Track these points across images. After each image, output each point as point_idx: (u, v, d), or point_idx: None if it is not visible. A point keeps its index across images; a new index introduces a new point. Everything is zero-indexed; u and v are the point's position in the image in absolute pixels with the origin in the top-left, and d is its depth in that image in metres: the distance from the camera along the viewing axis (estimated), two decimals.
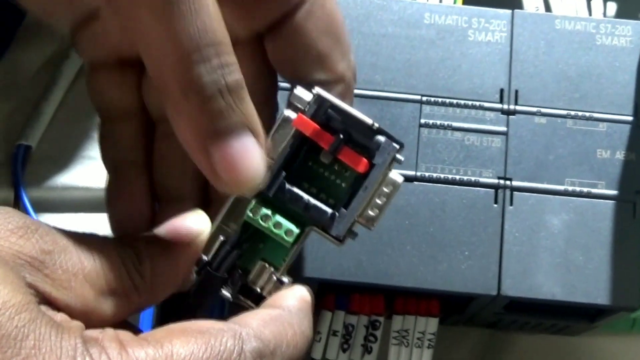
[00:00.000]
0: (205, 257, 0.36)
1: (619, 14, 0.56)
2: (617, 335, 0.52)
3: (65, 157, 0.55)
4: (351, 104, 0.36)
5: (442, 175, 0.44)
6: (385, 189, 0.36)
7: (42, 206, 0.54)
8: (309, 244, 0.42)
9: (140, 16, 0.31)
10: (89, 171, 0.54)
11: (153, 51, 0.31)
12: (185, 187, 0.38)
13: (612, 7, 0.56)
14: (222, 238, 0.36)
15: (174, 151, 0.37)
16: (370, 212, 0.36)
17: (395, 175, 0.36)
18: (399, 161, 0.35)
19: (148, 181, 0.38)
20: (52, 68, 0.56)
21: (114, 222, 0.38)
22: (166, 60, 0.31)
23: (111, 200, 0.38)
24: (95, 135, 0.55)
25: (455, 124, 0.45)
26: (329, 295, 0.45)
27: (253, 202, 0.35)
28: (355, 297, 0.45)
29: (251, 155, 0.32)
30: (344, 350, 0.45)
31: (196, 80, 0.31)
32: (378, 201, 0.36)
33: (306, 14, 0.36)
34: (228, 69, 0.31)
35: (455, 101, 0.45)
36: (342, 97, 0.36)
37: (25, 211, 0.52)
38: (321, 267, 0.43)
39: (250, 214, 0.35)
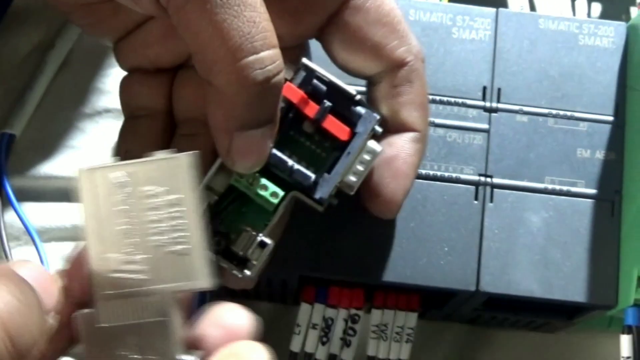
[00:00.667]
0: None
1: (604, 15, 0.57)
2: (595, 332, 0.53)
3: (49, 146, 0.55)
4: (422, 87, 0.39)
5: (423, 171, 0.44)
6: (365, 157, 0.37)
7: (25, 195, 0.54)
8: (289, 239, 0.42)
9: (191, 10, 0.33)
10: (72, 161, 0.54)
11: (201, 41, 0.33)
12: None
13: (596, 8, 0.57)
14: (206, 202, 0.36)
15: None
16: (352, 178, 0.37)
17: (374, 144, 0.38)
18: (377, 132, 0.38)
19: None
20: (38, 56, 0.56)
21: None
22: (215, 51, 0.33)
23: None
24: (80, 125, 0.55)
25: (438, 121, 0.45)
26: (308, 288, 0.46)
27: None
28: (334, 291, 0.45)
29: (264, 146, 0.36)
30: (323, 344, 0.45)
31: (250, 83, 0.33)
32: (359, 167, 0.37)
33: (353, 10, 0.39)
34: (278, 75, 0.34)
35: (438, 98, 0.45)
36: (408, 80, 0.38)
37: (8, 200, 0.52)
38: (301, 262, 0.43)
39: (238, 177, 0.37)
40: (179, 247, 0.31)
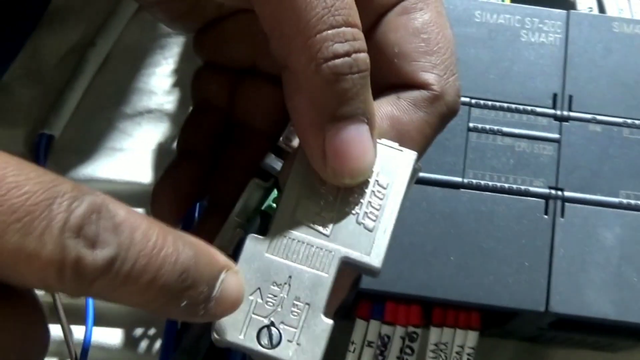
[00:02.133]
0: (226, 253, 0.33)
1: None
2: None
3: (88, 148, 0.53)
4: (434, 126, 0.34)
5: (490, 183, 0.42)
6: None
7: None
8: None
9: None
10: (113, 163, 0.52)
11: (280, 13, 0.30)
12: (232, 199, 0.36)
13: None
14: (241, 231, 0.34)
15: (238, 158, 0.37)
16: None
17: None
18: None
19: (202, 177, 0.38)
20: (78, 55, 0.53)
21: (154, 195, 0.39)
22: (293, 24, 0.30)
23: (164, 176, 0.39)
24: (121, 127, 0.53)
25: (506, 129, 0.43)
26: (364, 303, 0.43)
27: (275, 191, 0.34)
28: (391, 306, 0.43)
29: (365, 146, 0.32)
30: None
31: (331, 56, 0.30)
32: None
33: (401, 10, 0.35)
34: (362, 52, 0.31)
35: (506, 105, 0.43)
36: (420, 108, 0.34)
37: None
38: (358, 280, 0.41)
39: (273, 205, 0.34)
40: (369, 222, 0.32)
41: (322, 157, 0.31)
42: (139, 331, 0.51)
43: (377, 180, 0.32)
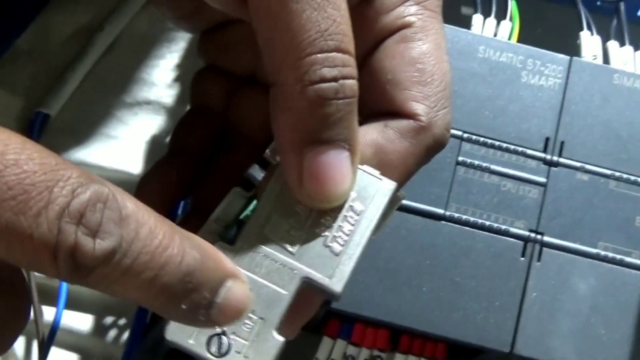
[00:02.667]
0: None
1: None
2: None
3: (84, 132, 0.53)
4: (419, 157, 0.34)
5: (471, 219, 0.42)
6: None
7: None
8: None
9: (269, 6, 0.30)
10: (105, 149, 0.52)
11: (275, 31, 0.30)
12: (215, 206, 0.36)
13: None
14: (215, 237, 0.34)
15: (227, 164, 0.37)
16: None
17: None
18: None
19: (189, 177, 0.38)
20: (84, 38, 0.54)
21: (139, 186, 0.38)
22: (286, 43, 0.30)
23: (152, 170, 0.39)
24: (119, 114, 0.53)
25: (494, 167, 0.43)
26: (333, 321, 0.43)
27: (255, 202, 0.34)
28: (359, 328, 0.43)
29: (342, 173, 0.31)
30: None
31: (318, 80, 0.30)
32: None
33: (400, 38, 0.35)
34: (350, 79, 0.31)
35: (497, 143, 0.43)
36: (405, 138, 0.34)
37: None
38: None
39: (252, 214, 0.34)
40: (337, 246, 0.32)
41: (298, 178, 0.31)
42: (109, 319, 0.51)
43: (351, 206, 0.32)
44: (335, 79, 0.30)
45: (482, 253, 0.42)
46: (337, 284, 0.32)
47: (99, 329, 0.50)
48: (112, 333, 0.51)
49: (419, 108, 0.34)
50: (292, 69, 0.30)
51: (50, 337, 0.47)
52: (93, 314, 0.50)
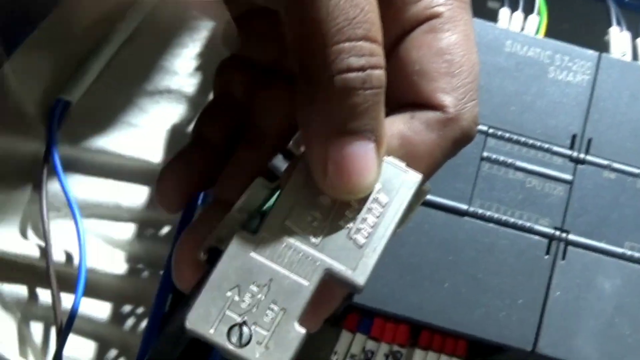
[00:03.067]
0: (218, 247, 0.33)
1: None
2: None
3: (104, 120, 0.53)
4: (446, 150, 0.33)
5: (495, 215, 0.42)
6: None
7: (72, 166, 0.52)
8: None
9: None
10: (125, 138, 0.52)
11: (302, 19, 0.30)
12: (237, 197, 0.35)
13: None
14: (239, 227, 0.33)
15: (249, 156, 0.36)
16: None
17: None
18: None
19: (212, 167, 0.37)
20: (107, 25, 0.53)
21: (161, 175, 0.37)
22: (313, 31, 0.30)
23: (175, 159, 0.38)
24: (140, 103, 0.53)
25: (519, 163, 0.42)
26: (352, 315, 0.43)
27: (278, 193, 0.33)
28: (379, 322, 0.43)
29: (367, 164, 0.31)
30: None
31: (345, 69, 0.30)
32: None
33: (428, 28, 0.34)
34: (378, 69, 0.30)
35: (523, 139, 0.42)
36: (432, 130, 0.33)
37: (54, 168, 0.50)
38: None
39: (275, 204, 0.33)
40: (361, 238, 0.31)
41: (323, 169, 0.31)
42: (127, 307, 0.51)
43: (376, 198, 0.32)
44: (362, 69, 0.30)
45: (506, 250, 0.41)
46: (360, 277, 0.31)
47: (117, 317, 0.50)
48: (130, 321, 0.50)
49: (446, 100, 0.33)
50: (319, 58, 0.30)
51: (68, 324, 0.47)
52: (111, 301, 0.50)
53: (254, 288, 0.31)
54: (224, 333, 0.30)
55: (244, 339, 0.30)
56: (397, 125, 0.33)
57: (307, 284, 0.31)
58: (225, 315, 0.30)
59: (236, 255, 0.31)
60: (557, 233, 0.42)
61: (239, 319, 0.30)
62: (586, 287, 0.41)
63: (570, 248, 0.42)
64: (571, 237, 0.42)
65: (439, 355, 0.43)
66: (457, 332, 0.41)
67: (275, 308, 0.31)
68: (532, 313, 0.41)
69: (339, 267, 0.31)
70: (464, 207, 0.42)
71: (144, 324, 0.50)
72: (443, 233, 0.41)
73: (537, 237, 0.42)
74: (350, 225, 0.31)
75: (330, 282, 0.32)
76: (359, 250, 0.31)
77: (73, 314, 0.47)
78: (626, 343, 0.41)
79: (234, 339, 0.30)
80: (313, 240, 0.31)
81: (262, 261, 0.31)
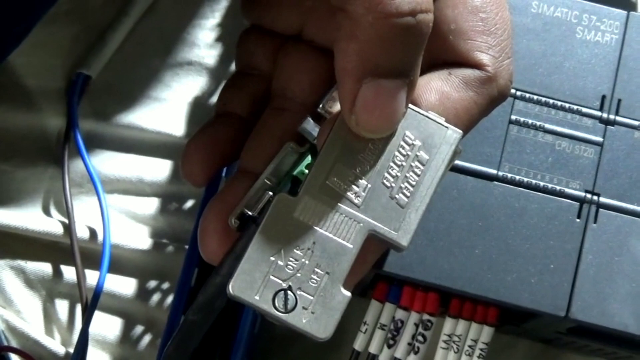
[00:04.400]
0: (250, 213, 0.33)
1: None
2: None
3: (125, 93, 0.52)
4: (483, 107, 0.34)
5: (525, 179, 0.41)
6: None
7: (93, 141, 0.51)
8: None
9: None
10: (147, 111, 0.52)
11: None
12: (261, 167, 0.35)
13: None
14: (270, 193, 0.33)
15: (274, 125, 0.36)
16: None
17: None
18: None
19: (237, 140, 0.37)
20: None
21: (187, 150, 0.37)
22: None
23: (199, 133, 0.37)
24: (160, 76, 0.53)
25: (548, 126, 0.41)
26: (381, 285, 0.42)
27: (309, 158, 0.33)
28: (408, 291, 0.42)
29: (396, 107, 0.31)
30: (389, 346, 0.42)
31: (394, 13, 0.29)
32: None
33: None
34: (427, 13, 0.30)
35: (551, 101, 0.42)
36: (470, 87, 0.33)
37: (76, 144, 0.49)
38: (381, 258, 0.40)
39: (305, 170, 0.33)
40: (403, 198, 0.31)
41: (351, 104, 0.30)
42: (152, 283, 0.50)
43: (417, 155, 0.32)
44: (412, 13, 0.29)
45: (536, 214, 0.41)
46: (403, 238, 0.31)
47: (143, 293, 0.50)
48: (156, 297, 0.50)
49: (484, 58, 0.33)
50: (367, 4, 0.29)
51: (93, 301, 0.47)
52: (136, 277, 0.50)
53: (297, 252, 0.31)
54: (269, 299, 0.30)
55: (290, 305, 0.30)
56: (435, 82, 0.33)
57: (351, 247, 0.31)
58: (269, 281, 0.30)
59: (278, 218, 0.31)
60: (588, 196, 0.41)
61: (283, 284, 0.30)
62: (619, 250, 0.41)
63: (601, 211, 0.41)
64: (602, 199, 0.41)
65: (469, 323, 0.42)
66: (488, 299, 0.40)
67: (320, 272, 0.30)
68: (564, 278, 0.40)
69: (383, 228, 0.31)
70: (493, 171, 0.41)
71: (169, 299, 0.50)
72: (472, 198, 0.41)
73: (567, 201, 0.41)
74: (392, 184, 0.31)
75: (371, 243, 0.31)
76: (401, 210, 0.31)
77: (98, 290, 0.47)
78: None
79: (280, 304, 0.30)
80: (355, 200, 0.31)
81: (304, 224, 0.31)
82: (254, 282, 0.30)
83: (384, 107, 0.30)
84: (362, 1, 0.29)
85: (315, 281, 0.30)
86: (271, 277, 0.30)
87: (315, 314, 0.30)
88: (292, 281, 0.30)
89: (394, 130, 0.31)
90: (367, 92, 0.30)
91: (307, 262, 0.30)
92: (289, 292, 0.30)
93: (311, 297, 0.30)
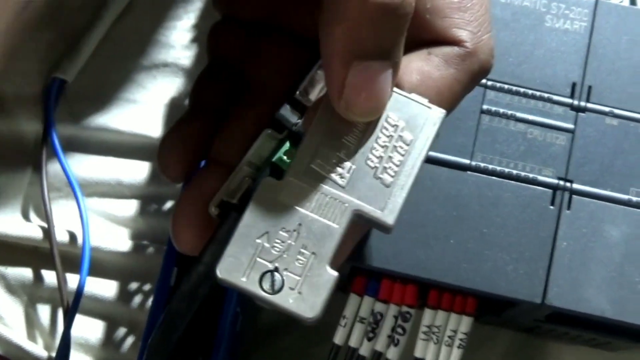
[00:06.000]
0: (231, 200, 0.33)
1: None
2: None
3: (102, 97, 0.52)
4: (465, 84, 0.34)
5: (498, 168, 0.41)
6: None
7: (71, 145, 0.51)
8: None
9: None
10: (124, 114, 0.52)
11: None
12: (234, 157, 0.35)
13: None
14: (250, 180, 0.33)
15: (246, 115, 0.36)
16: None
17: None
18: None
19: (212, 133, 0.36)
20: (98, 1, 0.53)
21: (162, 147, 0.37)
22: None
23: (173, 129, 0.37)
24: (137, 78, 0.53)
25: (520, 115, 0.42)
26: (359, 278, 0.43)
27: (287, 144, 0.34)
28: (386, 284, 0.42)
29: (384, 89, 0.31)
30: (369, 339, 0.42)
31: None
32: None
33: None
34: None
35: (522, 90, 0.42)
36: (451, 65, 0.33)
37: (53, 148, 0.49)
38: (355, 251, 0.40)
39: (284, 157, 0.34)
40: (387, 177, 0.32)
41: (340, 88, 0.31)
42: (133, 285, 0.50)
43: (400, 136, 0.32)
44: (399, 2, 0.30)
45: (510, 203, 0.41)
46: (389, 216, 0.31)
47: (124, 295, 0.50)
48: (137, 299, 0.50)
49: (462, 34, 0.34)
50: None
51: (74, 304, 0.47)
52: (117, 279, 0.50)
53: (283, 234, 0.31)
54: (256, 281, 0.30)
55: (277, 286, 0.30)
56: (415, 62, 0.33)
57: (337, 227, 0.31)
58: (256, 262, 0.30)
59: (263, 202, 0.31)
60: (561, 183, 0.41)
61: (270, 266, 0.30)
62: (593, 236, 0.41)
63: (575, 197, 0.41)
64: (575, 186, 0.41)
65: (448, 314, 0.42)
66: (465, 289, 0.41)
67: (306, 252, 0.31)
68: (539, 265, 0.40)
69: (368, 207, 0.31)
70: (466, 161, 0.41)
71: (150, 300, 0.50)
72: (446, 189, 0.41)
73: (541, 188, 0.41)
74: (377, 164, 0.32)
75: (358, 223, 0.32)
76: (386, 190, 0.31)
77: (79, 294, 0.47)
78: (636, 290, 0.40)
79: (267, 285, 0.30)
80: (340, 181, 0.31)
81: (290, 206, 0.31)
82: (241, 264, 0.30)
83: (373, 89, 0.31)
84: None
85: (301, 262, 0.31)
86: (258, 259, 0.30)
87: (302, 294, 0.30)
88: (279, 262, 0.30)
89: (382, 113, 0.32)
90: (356, 75, 0.30)
91: (293, 243, 0.31)
92: (276, 273, 0.30)
93: (298, 278, 0.30)
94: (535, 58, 0.42)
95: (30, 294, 0.50)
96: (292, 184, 0.31)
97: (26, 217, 0.51)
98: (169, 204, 0.51)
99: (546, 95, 0.42)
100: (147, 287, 0.50)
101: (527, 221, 0.41)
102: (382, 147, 0.32)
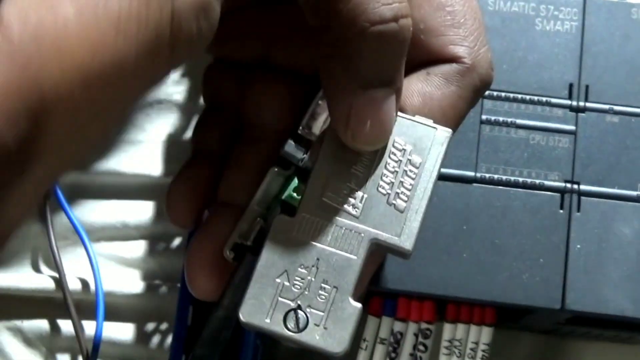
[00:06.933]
0: (244, 242, 0.33)
1: None
2: None
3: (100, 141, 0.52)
4: (468, 99, 0.34)
5: (503, 177, 0.41)
6: None
7: (73, 191, 0.51)
8: None
9: None
10: (122, 155, 0.52)
11: None
12: (242, 199, 0.35)
13: None
14: (262, 221, 0.33)
15: (248, 156, 0.36)
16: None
17: None
18: None
19: (213, 177, 0.36)
20: None
21: (169, 197, 0.37)
22: None
23: (178, 177, 0.37)
24: (132, 118, 0.52)
25: (520, 121, 0.42)
26: (375, 299, 0.42)
27: (295, 180, 0.33)
28: (403, 302, 0.42)
29: (389, 115, 0.31)
30: (392, 359, 0.42)
31: (378, 20, 0.29)
32: None
33: None
34: (407, 17, 0.30)
35: (520, 96, 0.42)
36: (451, 82, 0.33)
37: (57, 198, 0.49)
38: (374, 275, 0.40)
39: (294, 194, 0.33)
40: (401, 202, 0.31)
41: (346, 120, 0.31)
42: (150, 326, 0.50)
43: (409, 159, 0.32)
44: (395, 19, 0.29)
45: (519, 211, 0.41)
46: (406, 242, 0.31)
47: (142, 336, 0.50)
48: (156, 339, 0.50)
49: (459, 50, 0.34)
50: (349, 9, 0.29)
51: (94, 352, 0.47)
52: (133, 322, 0.50)
53: (302, 270, 0.31)
54: (280, 321, 0.30)
55: (302, 324, 0.30)
56: (415, 84, 0.33)
57: (355, 258, 0.31)
58: (278, 302, 0.30)
59: (278, 240, 0.31)
60: (569, 186, 0.41)
61: (292, 304, 0.30)
62: (605, 235, 0.41)
63: (583, 199, 0.41)
64: (583, 187, 0.41)
65: (468, 326, 0.42)
66: (482, 302, 0.41)
67: (327, 287, 0.31)
68: (555, 270, 0.40)
69: (384, 235, 0.31)
70: (470, 174, 0.41)
71: (169, 339, 0.50)
72: (453, 203, 0.41)
73: (548, 193, 0.41)
74: (388, 191, 0.32)
75: (376, 251, 0.32)
76: (401, 215, 0.31)
77: (97, 340, 0.47)
78: None
79: (291, 324, 0.30)
80: (353, 212, 0.31)
81: (306, 242, 0.31)
82: (263, 306, 0.30)
83: (379, 117, 0.31)
84: (346, 15, 0.29)
85: (324, 297, 0.31)
86: (279, 298, 0.30)
87: (328, 329, 0.30)
88: (301, 300, 0.30)
89: (388, 140, 0.32)
90: (360, 105, 0.30)
91: (313, 279, 0.31)
92: (299, 310, 0.30)
93: (322, 313, 0.30)
94: (530, 63, 0.42)
95: (49, 345, 0.50)
96: (306, 219, 0.31)
97: (36, 268, 0.50)
98: (177, 241, 0.51)
99: (544, 99, 0.42)
100: (164, 326, 0.50)
101: (538, 227, 0.41)
102: (392, 172, 0.32)
